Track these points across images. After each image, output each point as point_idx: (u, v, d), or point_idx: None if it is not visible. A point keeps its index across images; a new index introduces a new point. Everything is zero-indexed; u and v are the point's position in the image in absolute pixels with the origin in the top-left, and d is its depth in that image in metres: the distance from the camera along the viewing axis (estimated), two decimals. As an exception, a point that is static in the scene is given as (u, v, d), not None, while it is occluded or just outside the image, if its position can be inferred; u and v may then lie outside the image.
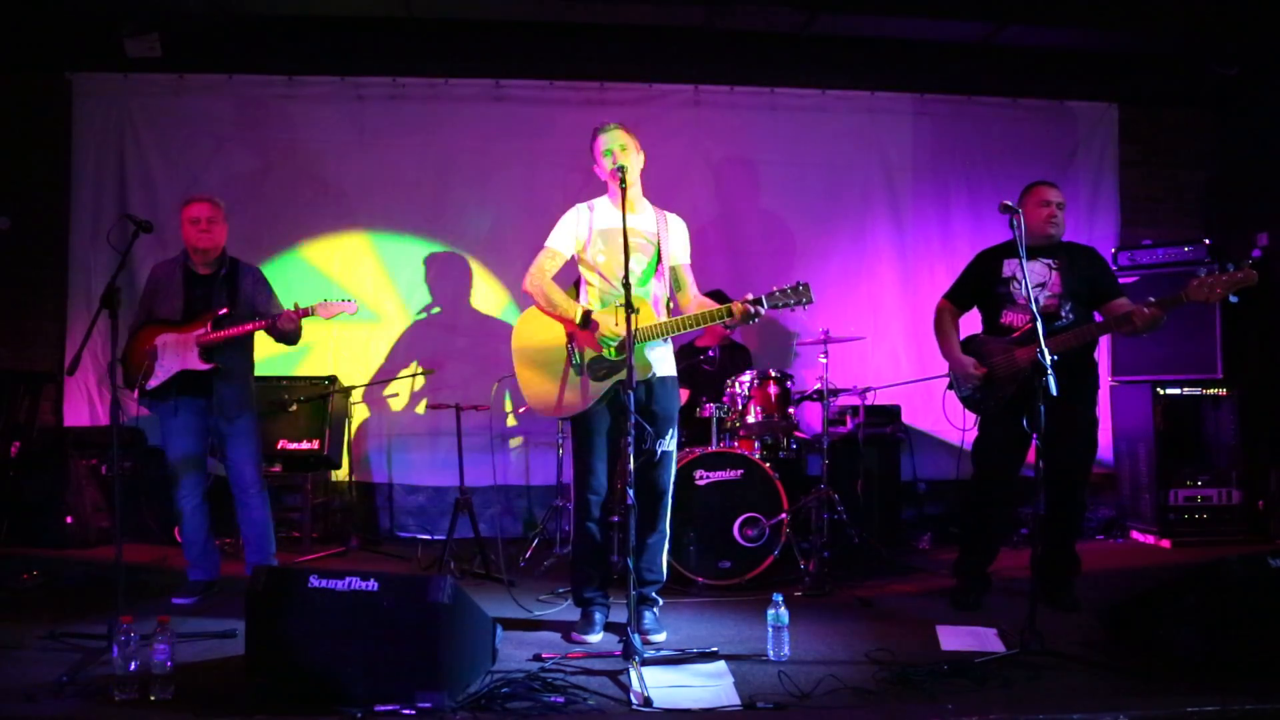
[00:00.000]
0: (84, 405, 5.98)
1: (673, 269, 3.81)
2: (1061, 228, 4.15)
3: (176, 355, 4.18)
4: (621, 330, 3.47)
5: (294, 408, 5.40)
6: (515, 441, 6.03)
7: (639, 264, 3.62)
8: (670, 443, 3.73)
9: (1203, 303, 3.75)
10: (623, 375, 3.51)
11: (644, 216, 3.75)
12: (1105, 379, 6.21)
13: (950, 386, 4.37)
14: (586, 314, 3.58)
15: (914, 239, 6.31)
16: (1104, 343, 6.12)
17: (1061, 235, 4.18)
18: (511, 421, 5.65)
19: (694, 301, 3.78)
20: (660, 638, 3.62)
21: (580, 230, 3.76)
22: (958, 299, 4.36)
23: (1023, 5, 5.64)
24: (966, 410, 4.34)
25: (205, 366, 4.16)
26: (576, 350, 3.64)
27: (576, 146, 3.88)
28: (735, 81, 6.27)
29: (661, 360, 3.72)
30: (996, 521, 4.23)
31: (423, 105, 6.14)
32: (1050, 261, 4.13)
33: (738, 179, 6.30)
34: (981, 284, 4.27)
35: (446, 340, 6.05)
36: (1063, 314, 4.03)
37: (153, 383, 4.17)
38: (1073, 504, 4.03)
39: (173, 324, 4.22)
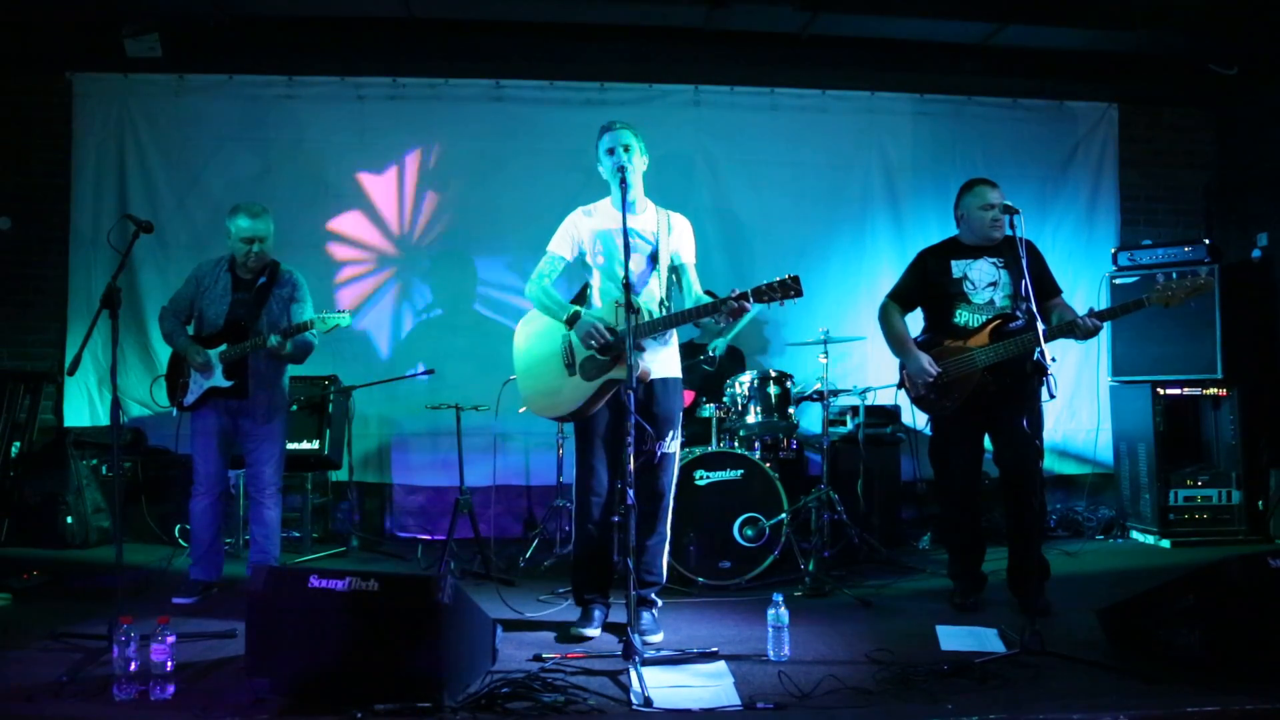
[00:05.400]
0: (84, 405, 5.98)
1: (674, 269, 3.81)
2: (1004, 228, 4.06)
3: (204, 373, 4.27)
4: (605, 335, 3.51)
5: (294, 408, 5.39)
6: (515, 442, 6.03)
7: (635, 264, 3.62)
8: (672, 444, 3.73)
9: (1164, 306, 3.83)
10: (614, 374, 3.53)
11: (643, 217, 3.75)
12: (1105, 379, 6.23)
13: (900, 386, 4.34)
14: (574, 315, 3.58)
15: (914, 239, 6.30)
16: (1103, 343, 6.15)
17: (1003, 235, 4.11)
18: (512, 422, 5.65)
19: (692, 301, 3.78)
20: (657, 638, 3.61)
21: (579, 234, 3.77)
22: (903, 299, 4.30)
23: (1023, 5, 5.64)
24: (919, 411, 4.32)
25: (227, 384, 4.25)
26: (570, 351, 3.65)
27: (576, 146, 3.89)
28: (735, 81, 6.27)
29: (662, 361, 3.72)
30: (971, 520, 4.20)
31: (423, 105, 6.14)
32: (997, 260, 4.13)
33: (738, 179, 6.30)
34: (929, 284, 4.21)
35: (446, 340, 6.05)
36: (1018, 313, 4.02)
37: (188, 400, 4.31)
38: (1030, 509, 3.88)
39: (201, 338, 4.31)
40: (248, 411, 4.29)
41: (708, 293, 3.89)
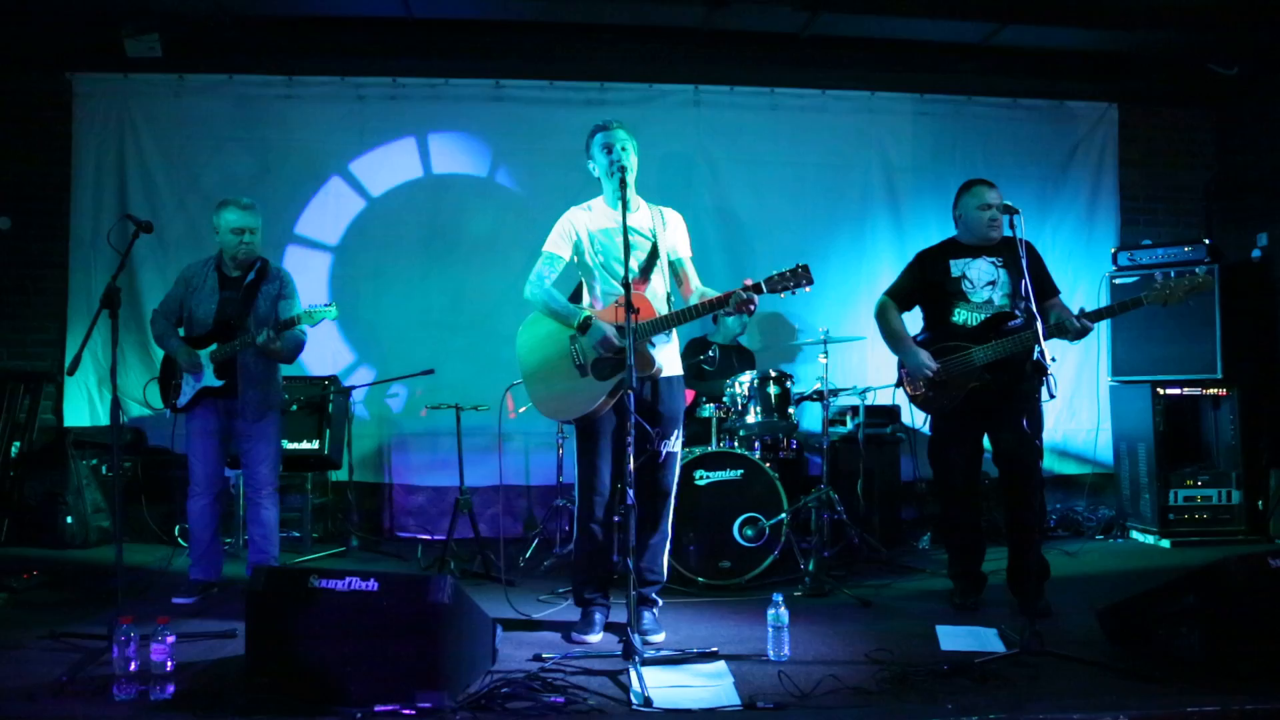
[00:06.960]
0: (84, 405, 5.98)
1: (673, 263, 3.81)
2: (1001, 229, 4.07)
3: (194, 374, 4.28)
4: (617, 343, 3.51)
5: (294, 408, 5.39)
6: (515, 442, 6.02)
7: (636, 261, 3.63)
8: (675, 443, 3.73)
9: (1162, 305, 3.87)
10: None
11: (638, 214, 3.74)
12: (1104, 379, 6.23)
13: (898, 384, 4.35)
14: (586, 320, 3.58)
15: (914, 239, 6.30)
16: (1103, 343, 6.15)
17: (1000, 236, 4.13)
18: (511, 422, 5.64)
19: (696, 294, 3.77)
20: (659, 638, 3.62)
21: (576, 233, 3.76)
22: (900, 297, 4.29)
23: (1023, 5, 5.64)
24: (919, 410, 4.32)
25: (218, 384, 4.24)
26: (579, 352, 3.65)
27: (576, 147, 3.88)
28: (735, 81, 6.27)
29: (667, 359, 3.72)
30: (970, 520, 4.20)
31: (423, 105, 6.15)
32: (995, 259, 4.13)
33: (738, 179, 6.30)
34: (928, 284, 4.21)
35: (446, 340, 6.05)
36: (1017, 312, 4.02)
37: (181, 401, 4.32)
38: (1030, 509, 3.86)
39: (192, 338, 4.31)
40: (239, 411, 4.27)
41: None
